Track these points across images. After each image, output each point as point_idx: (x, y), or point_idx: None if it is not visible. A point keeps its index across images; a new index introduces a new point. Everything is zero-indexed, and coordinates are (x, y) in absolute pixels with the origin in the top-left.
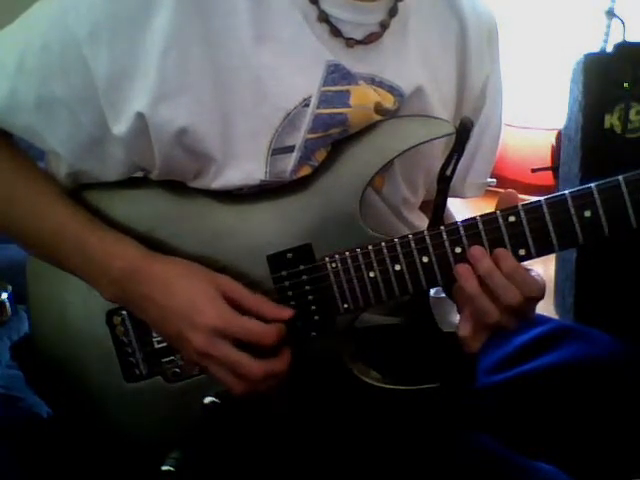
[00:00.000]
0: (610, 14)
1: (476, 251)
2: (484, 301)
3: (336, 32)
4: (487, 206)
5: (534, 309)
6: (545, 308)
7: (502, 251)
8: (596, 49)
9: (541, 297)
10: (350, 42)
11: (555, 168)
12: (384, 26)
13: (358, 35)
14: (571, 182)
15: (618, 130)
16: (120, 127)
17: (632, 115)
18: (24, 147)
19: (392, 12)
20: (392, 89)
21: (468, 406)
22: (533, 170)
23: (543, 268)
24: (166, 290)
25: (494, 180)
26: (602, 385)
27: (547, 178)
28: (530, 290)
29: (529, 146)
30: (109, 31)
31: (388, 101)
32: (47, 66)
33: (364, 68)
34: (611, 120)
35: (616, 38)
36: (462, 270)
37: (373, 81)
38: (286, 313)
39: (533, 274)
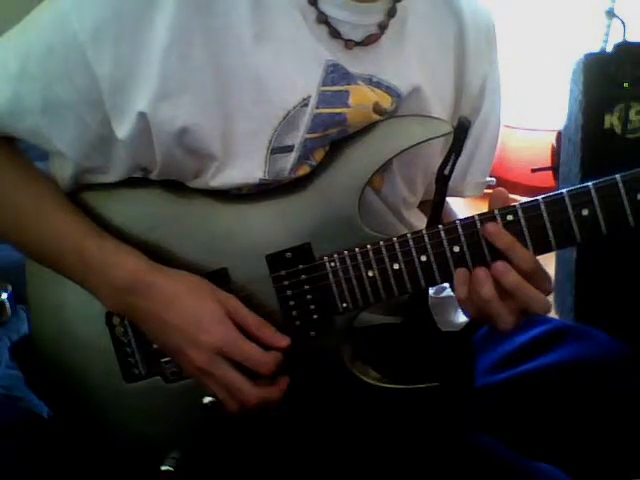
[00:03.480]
0: (610, 14)
1: (500, 267)
2: (500, 308)
3: (335, 33)
4: (485, 207)
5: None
6: None
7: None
8: (596, 49)
9: (537, 278)
10: (349, 44)
11: (555, 168)
12: (383, 27)
13: (357, 36)
14: (571, 182)
15: (618, 130)
16: (123, 128)
17: (632, 115)
18: (23, 148)
19: (391, 13)
20: (389, 89)
21: (468, 406)
22: (533, 170)
23: None
24: (170, 305)
25: (493, 179)
26: (602, 385)
27: (548, 179)
28: (524, 266)
29: (529, 147)
30: (112, 33)
31: (385, 101)
32: (51, 70)
33: (362, 68)
34: (611, 120)
35: (616, 38)
36: (480, 274)
37: (371, 81)
38: (283, 342)
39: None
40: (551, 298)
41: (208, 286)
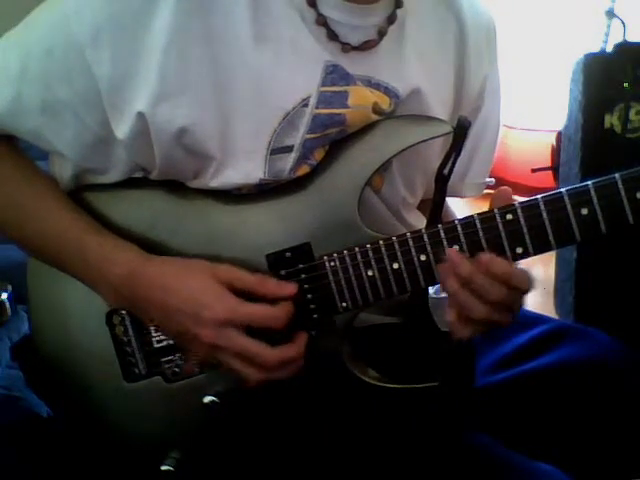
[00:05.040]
0: (610, 14)
1: (454, 256)
2: (466, 297)
3: (333, 36)
4: (486, 207)
5: (521, 302)
6: (545, 308)
7: (486, 257)
8: (596, 49)
9: (528, 290)
10: (346, 47)
11: (555, 168)
12: (381, 33)
13: (355, 38)
14: (571, 182)
15: (618, 130)
16: (123, 128)
17: (632, 115)
18: (24, 147)
19: (390, 19)
20: (388, 91)
21: (468, 406)
22: (533, 170)
23: (543, 268)
24: (168, 289)
25: (492, 180)
26: (602, 385)
27: (548, 180)
28: (517, 283)
29: (530, 148)
30: (111, 34)
31: (384, 102)
32: (50, 71)
33: (360, 70)
34: (611, 120)
35: (616, 38)
36: (442, 269)
37: (369, 83)
38: (289, 289)
39: (518, 270)
40: (551, 298)
41: (200, 263)
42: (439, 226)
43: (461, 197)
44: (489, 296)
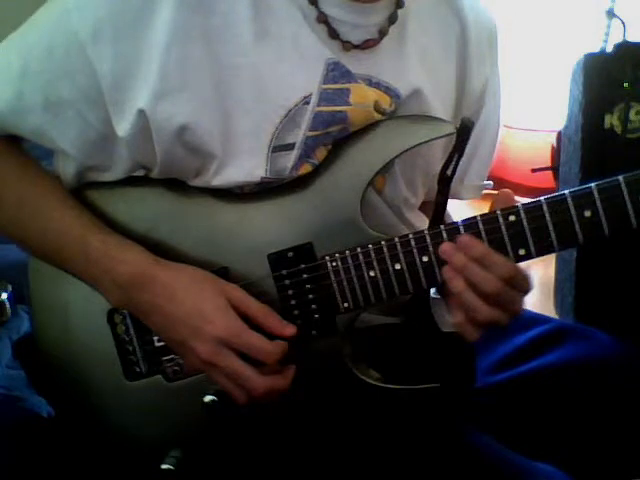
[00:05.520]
0: (610, 14)
1: (447, 247)
2: (471, 297)
3: (334, 34)
4: (486, 208)
5: (520, 301)
6: (545, 308)
7: (466, 239)
8: (596, 49)
9: (517, 281)
10: (347, 46)
11: (555, 168)
12: (382, 33)
13: (356, 37)
14: (571, 182)
15: (618, 130)
16: (124, 125)
17: (632, 115)
18: (28, 147)
19: (391, 19)
20: (388, 90)
21: (468, 406)
22: (533, 170)
23: (543, 268)
24: (173, 297)
25: (491, 182)
26: (602, 385)
27: (548, 180)
28: (502, 272)
29: (530, 148)
30: (112, 30)
31: (385, 102)
32: (52, 69)
33: (361, 69)
34: (611, 120)
35: (616, 38)
36: (448, 270)
37: (370, 82)
38: (289, 330)
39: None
40: (551, 298)
41: (211, 278)
42: (441, 227)
43: (459, 199)
44: (483, 286)
